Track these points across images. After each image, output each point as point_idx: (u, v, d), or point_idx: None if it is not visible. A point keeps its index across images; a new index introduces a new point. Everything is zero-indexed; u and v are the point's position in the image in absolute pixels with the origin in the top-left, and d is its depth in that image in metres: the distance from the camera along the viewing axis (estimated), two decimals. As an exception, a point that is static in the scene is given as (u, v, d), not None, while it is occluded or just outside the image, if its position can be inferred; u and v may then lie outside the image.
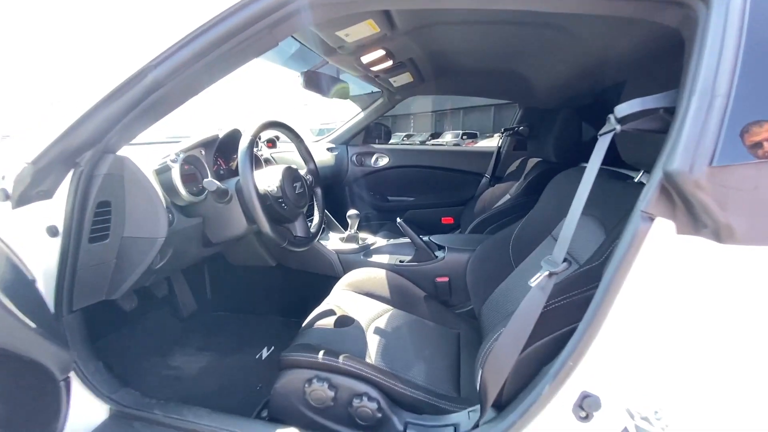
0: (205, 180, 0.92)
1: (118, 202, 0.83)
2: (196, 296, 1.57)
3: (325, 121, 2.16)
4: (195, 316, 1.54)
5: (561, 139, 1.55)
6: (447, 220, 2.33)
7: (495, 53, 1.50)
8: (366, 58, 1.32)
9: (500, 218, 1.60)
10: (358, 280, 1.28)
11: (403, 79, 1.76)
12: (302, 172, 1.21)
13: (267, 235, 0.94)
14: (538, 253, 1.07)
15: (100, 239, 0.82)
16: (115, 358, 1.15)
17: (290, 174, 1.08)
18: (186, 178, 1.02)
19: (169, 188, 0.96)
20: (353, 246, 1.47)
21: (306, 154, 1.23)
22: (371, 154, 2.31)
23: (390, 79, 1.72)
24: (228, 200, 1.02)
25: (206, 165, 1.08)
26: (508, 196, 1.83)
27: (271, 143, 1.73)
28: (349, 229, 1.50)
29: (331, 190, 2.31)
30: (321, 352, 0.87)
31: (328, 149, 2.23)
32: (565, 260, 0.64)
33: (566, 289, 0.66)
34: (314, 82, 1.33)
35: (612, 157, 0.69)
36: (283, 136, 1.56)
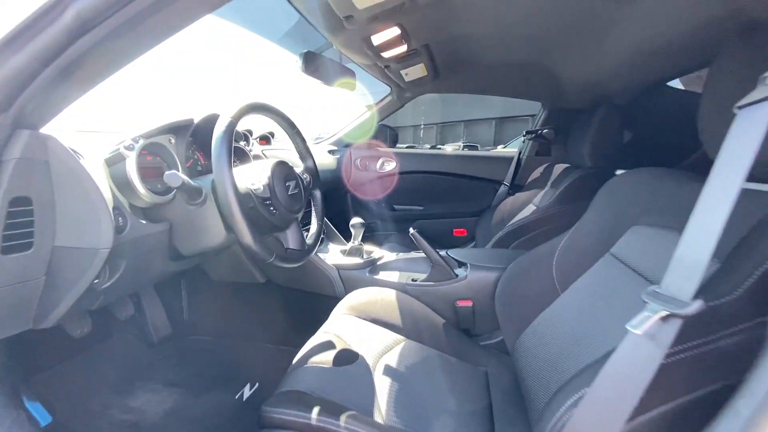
0: (166, 173, 0.69)
1: (43, 200, 0.61)
2: (170, 317, 1.33)
3: (319, 135, 1.96)
4: (168, 342, 1.29)
5: (599, 142, 1.34)
6: (459, 232, 2.10)
7: (524, 42, 1.30)
8: (378, 38, 1.11)
9: (528, 231, 1.38)
10: (362, 303, 1.05)
11: (416, 72, 1.56)
12: (298, 170, 0.99)
13: (248, 247, 0.71)
14: (596, 275, 0.84)
15: (20, 249, 0.59)
16: (57, 397, 0.91)
17: (282, 170, 0.86)
18: (149, 171, 0.80)
19: (123, 184, 0.74)
20: (357, 260, 1.24)
21: (303, 149, 1.02)
22: (376, 157, 2.10)
23: (401, 72, 1.52)
24: (202, 201, 0.80)
25: (176, 157, 0.86)
26: (533, 207, 1.61)
27: (265, 140, 1.52)
28: (352, 240, 1.28)
29: (331, 196, 2.09)
30: (315, 410, 0.64)
31: (329, 151, 2.02)
32: (697, 296, 0.41)
33: (691, 333, 0.44)
34: (315, 64, 1.12)
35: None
36: (278, 133, 1.34)
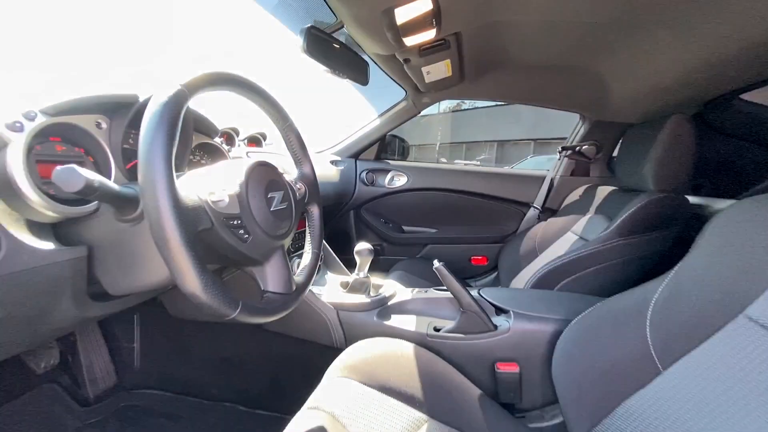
0: (57, 169, 0.41)
1: None
2: (116, 363, 1.03)
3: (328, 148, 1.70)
4: (108, 398, 0.99)
5: (668, 161, 1.07)
6: (478, 261, 1.81)
7: (573, 40, 1.06)
8: (404, 13, 0.86)
9: (578, 268, 1.10)
10: (367, 361, 0.76)
11: (440, 71, 1.31)
12: (290, 178, 0.72)
13: (191, 296, 0.43)
14: (726, 346, 0.55)
15: None
16: None
17: (264, 176, 0.59)
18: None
19: (3, 184, 0.46)
20: (362, 299, 0.95)
21: (299, 150, 0.74)
22: (385, 171, 1.83)
23: (423, 69, 1.27)
24: (138, 217, 0.52)
25: (108, 149, 0.58)
26: (573, 236, 1.33)
27: (255, 143, 1.25)
28: (356, 270, 0.99)
29: (331, 214, 1.81)
30: None
31: (332, 162, 1.75)
32: None
33: None
34: (320, 45, 0.87)
35: None
36: (271, 134, 1.08)
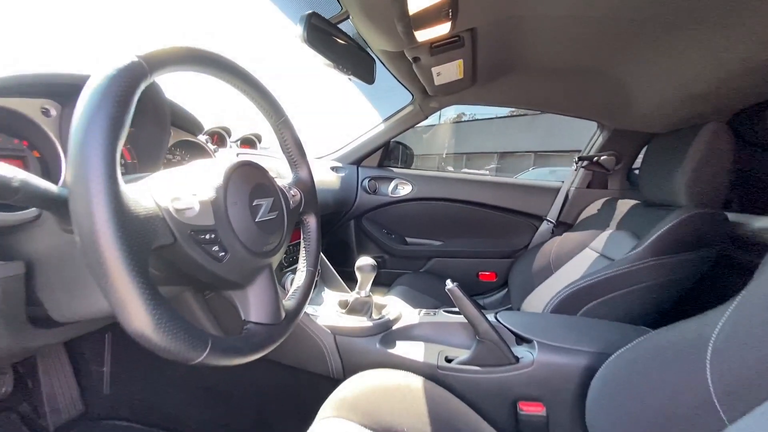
0: None
1: None
2: (84, 390, 0.91)
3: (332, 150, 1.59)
4: (73, 429, 0.86)
5: (703, 174, 0.97)
6: (487, 276, 1.70)
7: (596, 41, 0.97)
8: (416, 2, 0.76)
9: (605, 291, 0.99)
10: (368, 397, 0.65)
11: (451, 72, 1.22)
12: (283, 183, 0.61)
13: (139, 337, 0.32)
14: None
15: None
16: None
17: (249, 178, 0.48)
18: None
19: None
20: (363, 322, 0.84)
21: (295, 150, 0.64)
22: (389, 179, 1.73)
23: (433, 70, 1.18)
24: None
25: (57, 143, 0.47)
26: (593, 253, 1.23)
27: (249, 144, 1.14)
28: (357, 288, 0.88)
29: (330, 224, 1.70)
30: None
31: (332, 168, 1.65)
32: None
33: None
34: (321, 36, 0.77)
35: None
36: (268, 137, 0.98)
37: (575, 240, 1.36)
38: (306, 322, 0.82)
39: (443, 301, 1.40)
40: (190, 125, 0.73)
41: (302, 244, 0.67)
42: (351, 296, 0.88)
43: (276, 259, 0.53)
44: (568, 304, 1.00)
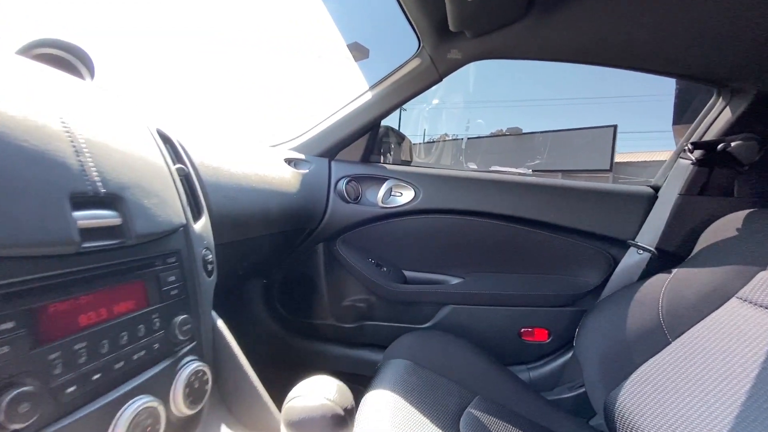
0: None
1: None
2: None
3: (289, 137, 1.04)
4: None
5: None
6: (533, 335, 1.07)
7: None
8: None
9: None
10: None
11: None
12: None
13: None
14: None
15: None
16: None
17: None
18: None
19: None
20: None
21: None
22: (379, 180, 1.11)
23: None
24: None
25: None
26: (752, 309, 0.61)
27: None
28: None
29: (283, 251, 1.06)
30: None
31: (288, 161, 1.01)
32: None
33: None
34: None
35: None
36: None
37: (702, 281, 0.74)
38: None
39: (472, 389, 0.76)
40: None
41: None
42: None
43: None
44: None
